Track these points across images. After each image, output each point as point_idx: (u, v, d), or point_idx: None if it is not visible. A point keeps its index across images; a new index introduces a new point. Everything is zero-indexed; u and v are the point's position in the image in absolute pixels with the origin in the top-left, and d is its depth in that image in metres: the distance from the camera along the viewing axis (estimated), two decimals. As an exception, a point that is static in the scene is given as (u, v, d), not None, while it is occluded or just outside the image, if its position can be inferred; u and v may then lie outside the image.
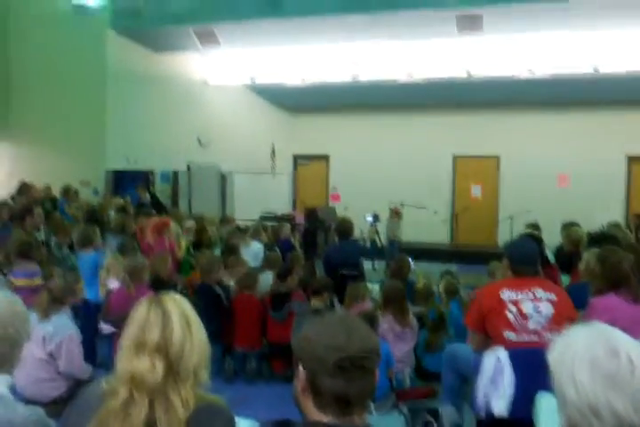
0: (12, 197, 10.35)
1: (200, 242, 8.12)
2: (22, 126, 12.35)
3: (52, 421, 1.91)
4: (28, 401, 3.54)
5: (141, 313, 1.67)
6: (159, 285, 5.58)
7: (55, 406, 3.70)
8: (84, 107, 11.83)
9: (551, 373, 1.49)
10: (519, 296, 3.34)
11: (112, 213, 9.28)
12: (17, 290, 5.36)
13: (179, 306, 1.69)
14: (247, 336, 5.64)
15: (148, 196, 11.18)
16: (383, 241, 11.15)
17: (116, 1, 11.39)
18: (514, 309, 3.29)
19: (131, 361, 1.61)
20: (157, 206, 10.88)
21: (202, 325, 1.74)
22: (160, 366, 1.58)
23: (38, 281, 5.50)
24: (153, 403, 1.57)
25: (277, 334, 5.53)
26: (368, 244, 8.14)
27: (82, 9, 11.47)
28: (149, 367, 1.58)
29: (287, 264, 6.20)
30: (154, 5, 11.05)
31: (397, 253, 8.98)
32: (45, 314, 4.18)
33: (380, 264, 9.56)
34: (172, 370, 1.60)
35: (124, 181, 11.85)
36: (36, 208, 7.11)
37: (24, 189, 10.84)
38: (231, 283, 6.12)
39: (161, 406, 1.57)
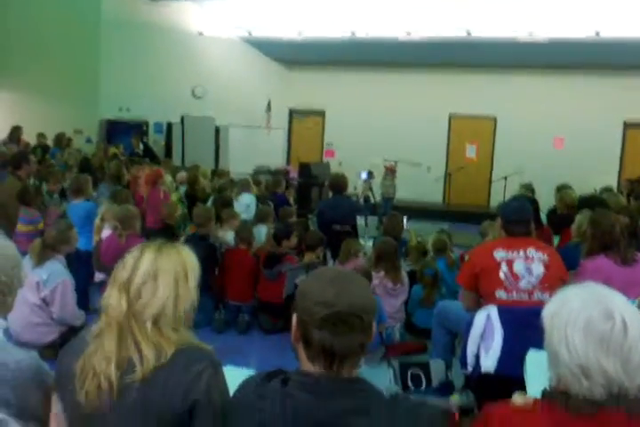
0: (4, 143, 10.25)
1: (193, 194, 8.09)
2: (14, 73, 12.11)
3: (45, 363, 1.92)
4: (22, 345, 3.59)
5: (127, 255, 1.79)
6: (167, 231, 5.66)
7: (49, 350, 3.76)
8: (78, 54, 11.59)
9: (544, 331, 1.50)
10: (511, 256, 3.36)
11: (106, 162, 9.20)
12: (20, 235, 5.44)
13: (160, 254, 1.76)
14: (239, 290, 5.66)
15: (141, 146, 11.09)
16: (377, 198, 11.13)
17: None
18: (506, 268, 3.31)
19: (108, 295, 1.73)
20: (150, 157, 10.81)
21: (186, 278, 1.77)
22: (123, 302, 1.69)
23: (40, 226, 5.53)
24: (123, 338, 1.66)
25: (267, 293, 5.54)
26: (361, 200, 8.12)
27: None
28: (115, 301, 1.69)
29: (286, 227, 6.01)
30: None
31: (390, 211, 8.99)
32: (39, 260, 4.20)
33: (372, 221, 9.58)
34: (130, 309, 1.69)
35: (117, 131, 11.74)
36: (30, 155, 7.03)
37: (15, 134, 10.72)
38: (226, 236, 6.13)
39: (131, 343, 1.65)
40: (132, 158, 9.75)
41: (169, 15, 12.62)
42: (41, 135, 10.99)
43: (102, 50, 11.50)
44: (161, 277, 1.73)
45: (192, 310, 1.79)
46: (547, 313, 1.51)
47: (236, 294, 5.66)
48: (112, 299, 1.71)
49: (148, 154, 10.99)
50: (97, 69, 11.53)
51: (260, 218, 6.75)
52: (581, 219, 4.58)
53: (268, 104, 14.60)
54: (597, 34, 10.99)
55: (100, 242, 5.46)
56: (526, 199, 5.03)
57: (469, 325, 3.26)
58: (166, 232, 6.03)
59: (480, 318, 3.21)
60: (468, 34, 11.75)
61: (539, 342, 1.54)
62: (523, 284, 3.28)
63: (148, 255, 1.75)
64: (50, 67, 11.76)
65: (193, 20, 13.19)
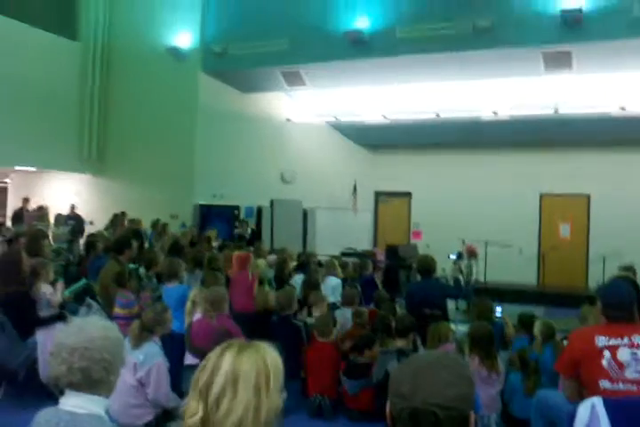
0: (106, 229, 10.88)
1: (281, 276, 8.22)
2: (118, 162, 13.06)
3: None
4: (120, 426, 3.65)
5: (208, 355, 1.65)
6: (258, 318, 5.74)
7: (142, 433, 3.80)
8: (176, 144, 12.40)
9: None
10: (615, 342, 3.18)
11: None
12: (116, 318, 5.64)
13: (240, 356, 1.61)
14: (320, 384, 5.50)
15: (249, 230, 11.47)
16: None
17: (206, 44, 11.98)
18: (609, 356, 3.13)
19: (189, 399, 1.60)
20: (251, 241, 11.16)
21: (268, 383, 1.60)
22: (200, 411, 1.55)
23: (135, 310, 5.72)
24: None
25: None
26: (451, 282, 7.97)
27: (175, 52, 12.17)
28: (192, 409, 1.56)
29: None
30: (243, 49, 11.54)
31: (472, 294, 8.73)
32: (137, 342, 4.34)
33: (463, 304, 9.34)
34: (208, 419, 1.55)
35: (210, 215, 12.24)
36: (132, 241, 7.40)
37: (118, 220, 11.37)
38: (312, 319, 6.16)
39: None
40: (226, 242, 10.07)
41: (259, 105, 13.38)
42: (132, 221, 11.40)
43: (197, 138, 12.24)
44: (241, 382, 1.56)
45: (276, 417, 1.61)
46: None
47: (318, 388, 5.50)
48: (190, 404, 1.57)
49: (253, 238, 11.36)
50: (192, 156, 12.24)
51: (345, 301, 6.74)
52: (690, 303, 4.29)
53: (354, 187, 14.91)
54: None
55: (191, 324, 5.58)
56: (627, 281, 4.80)
57: (572, 417, 3.05)
58: (258, 319, 6.12)
59: (584, 409, 3.01)
60: (556, 112, 11.74)
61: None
62: (629, 373, 3.08)
63: (227, 357, 1.60)
64: (149, 154, 12.58)
65: (282, 108, 13.92)
